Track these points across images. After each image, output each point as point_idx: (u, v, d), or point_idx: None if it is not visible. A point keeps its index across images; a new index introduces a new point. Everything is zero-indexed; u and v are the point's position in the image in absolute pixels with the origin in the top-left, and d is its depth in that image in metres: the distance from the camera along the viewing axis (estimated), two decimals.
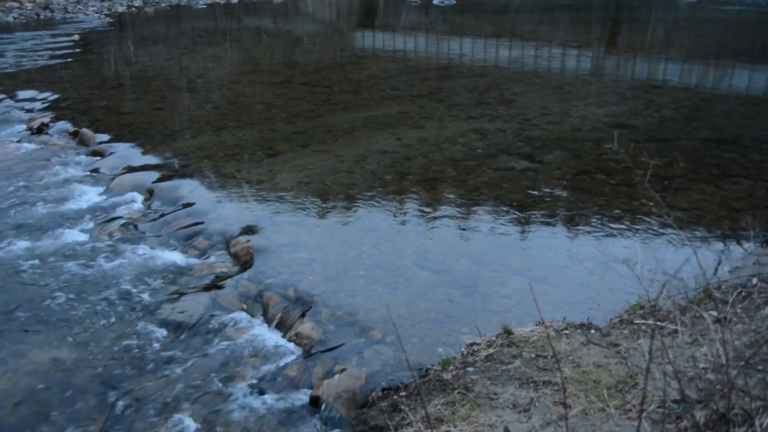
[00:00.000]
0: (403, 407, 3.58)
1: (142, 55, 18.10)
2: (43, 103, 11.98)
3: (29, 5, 28.86)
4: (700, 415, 2.62)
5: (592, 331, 4.05)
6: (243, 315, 5.01)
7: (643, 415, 2.78)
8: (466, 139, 9.14)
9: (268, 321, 4.94)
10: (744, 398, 2.60)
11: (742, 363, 2.62)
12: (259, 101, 11.96)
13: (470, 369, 3.75)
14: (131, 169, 8.18)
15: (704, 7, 31.54)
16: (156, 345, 4.67)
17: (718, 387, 2.65)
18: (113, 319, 4.96)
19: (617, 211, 6.61)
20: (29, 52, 17.74)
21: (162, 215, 6.85)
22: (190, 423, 3.89)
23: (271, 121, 10.32)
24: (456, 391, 3.50)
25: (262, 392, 4.16)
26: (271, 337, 4.74)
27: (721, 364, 2.62)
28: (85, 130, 9.74)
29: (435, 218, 6.58)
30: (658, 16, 29.73)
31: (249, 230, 6.29)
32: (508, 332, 4.08)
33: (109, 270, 5.70)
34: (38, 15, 27.83)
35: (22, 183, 7.81)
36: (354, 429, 3.73)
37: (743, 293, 4.13)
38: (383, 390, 3.97)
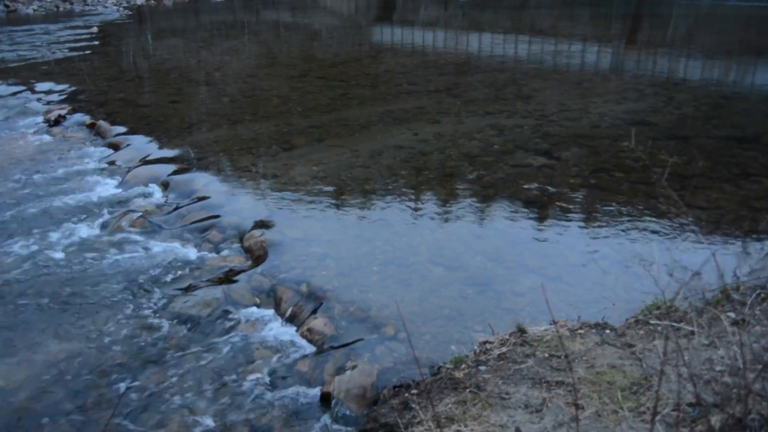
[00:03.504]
0: (414, 405, 3.55)
1: (160, 48, 18.17)
2: (60, 95, 12.07)
3: None
4: (715, 420, 2.57)
5: (607, 331, 3.99)
6: (255, 309, 5.01)
7: (657, 418, 2.73)
8: (483, 134, 9.08)
9: (280, 316, 4.92)
10: (761, 403, 2.54)
11: (760, 366, 2.56)
12: (275, 95, 11.96)
13: (482, 368, 3.71)
14: (147, 162, 8.21)
15: (726, 2, 31.14)
16: (167, 338, 4.67)
17: (734, 391, 2.59)
18: (125, 312, 4.98)
19: (634, 210, 6.53)
20: (48, 44, 17.87)
21: (176, 208, 6.86)
22: (201, 417, 3.89)
23: (287, 115, 10.32)
24: (468, 390, 3.46)
25: (273, 387, 4.15)
26: (284, 332, 4.72)
27: (738, 368, 2.56)
28: (101, 123, 9.80)
29: (450, 214, 6.53)
30: (680, 12, 29.40)
31: (263, 224, 6.28)
32: (521, 331, 4.04)
33: (123, 263, 5.72)
34: (58, 7, 28.04)
35: (38, 175, 7.86)
36: (364, 426, 3.71)
37: (762, 295, 4.05)
38: (394, 387, 3.94)
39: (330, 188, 7.19)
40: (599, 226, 6.22)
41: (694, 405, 2.78)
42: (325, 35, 21.69)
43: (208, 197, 7.01)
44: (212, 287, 5.28)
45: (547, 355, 3.73)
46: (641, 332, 3.90)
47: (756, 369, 2.55)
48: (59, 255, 5.85)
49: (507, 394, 3.36)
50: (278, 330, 4.75)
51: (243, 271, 5.54)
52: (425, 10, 29.81)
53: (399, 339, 4.44)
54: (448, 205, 6.77)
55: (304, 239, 6.00)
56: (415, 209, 6.64)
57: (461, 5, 31.28)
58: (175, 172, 7.79)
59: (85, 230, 6.35)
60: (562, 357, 3.66)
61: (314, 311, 4.84)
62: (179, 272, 5.58)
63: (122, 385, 4.17)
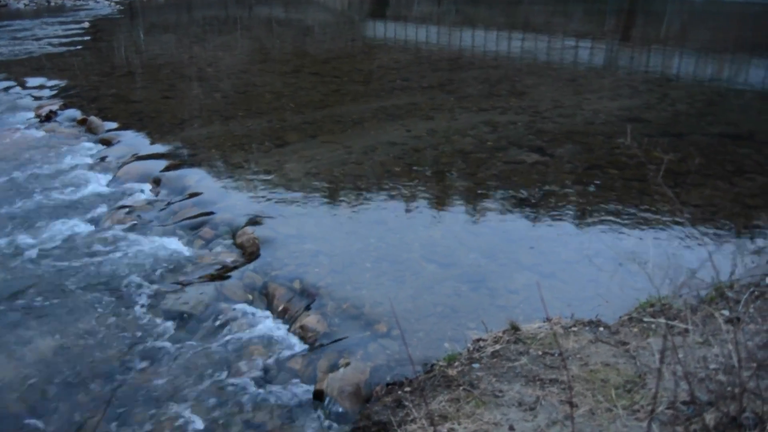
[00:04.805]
0: (407, 403, 3.53)
1: (152, 44, 18.08)
2: (51, 91, 11.99)
3: None
4: (710, 418, 2.56)
5: (601, 328, 3.98)
6: (248, 306, 4.97)
7: (652, 416, 2.72)
8: (477, 131, 9.05)
9: (273, 313, 4.89)
10: (756, 401, 2.53)
11: (755, 365, 2.54)
12: (268, 91, 11.91)
13: (476, 365, 3.69)
14: (139, 158, 8.15)
15: None
16: (159, 336, 4.63)
17: (729, 389, 2.58)
18: (116, 309, 4.94)
19: (629, 207, 6.52)
20: (39, 39, 17.75)
21: (169, 205, 6.81)
22: (192, 415, 3.86)
23: (280, 111, 10.27)
24: (461, 388, 3.45)
25: (265, 385, 4.12)
26: (276, 329, 4.70)
27: (733, 366, 2.55)
28: (93, 118, 9.73)
29: (443, 211, 6.51)
30: (674, 8, 29.42)
31: (255, 221, 6.24)
32: (515, 328, 4.02)
33: (115, 259, 5.67)
34: (49, 2, 27.88)
35: (29, 171, 7.79)
36: (357, 424, 3.68)
37: (756, 292, 4.05)
38: (387, 385, 3.92)
39: (323, 185, 7.15)
40: (593, 224, 6.21)
41: (689, 403, 2.77)
42: (318, 31, 21.62)
43: (201, 193, 6.97)
44: (204, 284, 5.25)
45: (540, 352, 3.72)
46: (635, 330, 3.89)
47: (750, 367, 2.54)
48: (49, 251, 5.80)
49: (500, 391, 3.35)
50: (270, 327, 4.72)
51: (235, 267, 5.51)
52: (418, 6, 29.76)
53: (392, 336, 4.42)
54: (441, 201, 6.74)
55: (296, 236, 5.96)
56: (408, 206, 6.62)
57: (454, 1, 31.24)
58: (167, 168, 7.74)
59: (75, 226, 6.30)
60: (556, 355, 3.65)
61: (307, 308, 4.82)
62: (171, 269, 5.54)
63: (113, 383, 4.14)
